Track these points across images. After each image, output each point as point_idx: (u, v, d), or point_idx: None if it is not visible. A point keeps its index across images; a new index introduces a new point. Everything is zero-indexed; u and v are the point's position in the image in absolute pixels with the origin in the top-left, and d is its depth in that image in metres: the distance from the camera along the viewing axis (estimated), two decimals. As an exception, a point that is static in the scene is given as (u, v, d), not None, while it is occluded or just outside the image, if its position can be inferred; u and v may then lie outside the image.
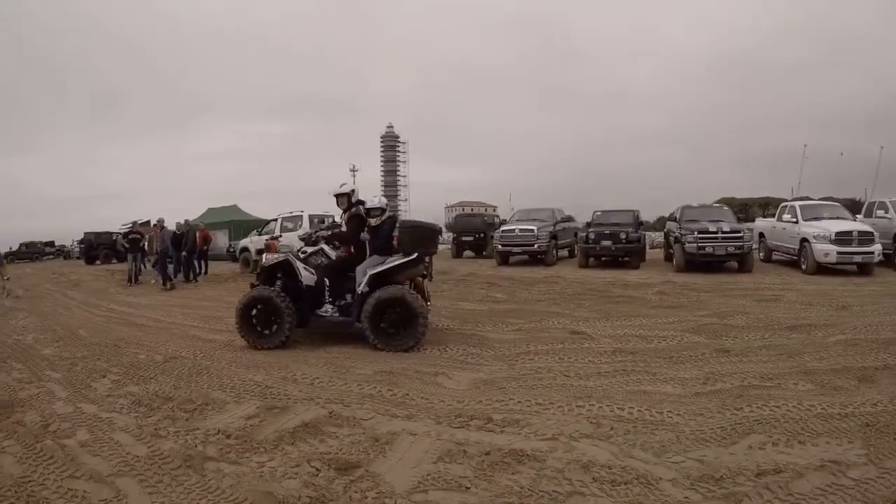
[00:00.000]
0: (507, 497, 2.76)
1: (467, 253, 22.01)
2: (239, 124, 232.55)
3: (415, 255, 6.52)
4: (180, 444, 3.66)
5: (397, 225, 6.80)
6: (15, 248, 40.88)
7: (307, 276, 6.73)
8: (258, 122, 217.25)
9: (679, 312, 8.09)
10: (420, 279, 7.07)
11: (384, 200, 6.90)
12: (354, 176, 62.31)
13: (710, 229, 13.85)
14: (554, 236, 17.50)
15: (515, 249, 17.47)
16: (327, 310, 6.71)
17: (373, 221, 6.68)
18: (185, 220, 16.94)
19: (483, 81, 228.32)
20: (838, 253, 12.49)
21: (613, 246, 15.70)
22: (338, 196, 7.13)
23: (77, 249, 39.21)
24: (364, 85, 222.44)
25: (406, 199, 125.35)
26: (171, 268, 15.70)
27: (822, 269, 12.70)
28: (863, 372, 4.84)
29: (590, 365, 5.36)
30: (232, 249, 22.19)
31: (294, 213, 17.79)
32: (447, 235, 19.60)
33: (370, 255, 6.69)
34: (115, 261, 27.62)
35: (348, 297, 6.72)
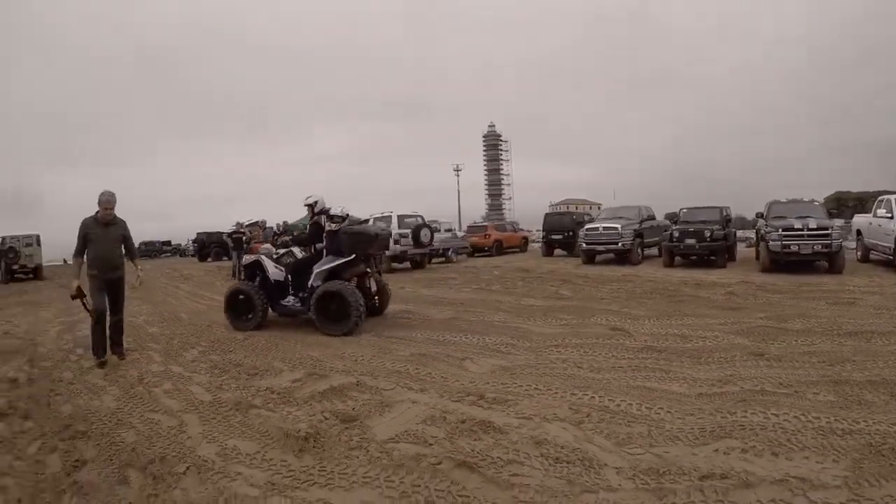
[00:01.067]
0: (455, 455, 3.30)
1: (559, 252, 22.08)
2: (348, 128, 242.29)
3: (352, 256, 7.69)
4: (236, 395, 4.79)
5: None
6: (136, 246, 45.75)
7: (275, 272, 8.11)
8: (365, 126, 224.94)
9: (737, 314, 7.95)
10: (378, 277, 8.43)
11: (346, 210, 8.06)
12: (458, 175, 63.42)
13: (796, 226, 13.15)
14: (639, 235, 17.36)
15: (600, 248, 17.43)
16: (289, 300, 8.09)
17: (333, 226, 7.87)
18: (284, 221, 18.43)
19: (589, 76, 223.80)
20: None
21: (697, 244, 15.24)
22: (306, 206, 8.51)
23: (191, 248, 43.03)
24: (467, 85, 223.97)
25: (510, 198, 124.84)
26: None
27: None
28: None
29: (610, 359, 5.59)
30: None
31: (385, 214, 18.67)
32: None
33: (325, 256, 7.92)
34: (224, 258, 30.16)
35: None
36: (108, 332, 6.31)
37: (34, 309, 12.08)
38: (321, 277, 7.68)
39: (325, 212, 8.23)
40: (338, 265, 7.70)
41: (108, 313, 6.29)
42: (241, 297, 8.05)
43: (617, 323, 7.52)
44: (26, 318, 10.49)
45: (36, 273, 23.32)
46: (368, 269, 8.14)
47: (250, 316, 7.96)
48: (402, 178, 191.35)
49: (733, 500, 2.79)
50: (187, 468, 3.34)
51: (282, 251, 8.47)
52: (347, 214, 8.08)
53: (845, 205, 28.74)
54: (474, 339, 6.78)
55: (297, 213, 35.29)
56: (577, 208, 54.69)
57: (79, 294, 6.14)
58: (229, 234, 19.67)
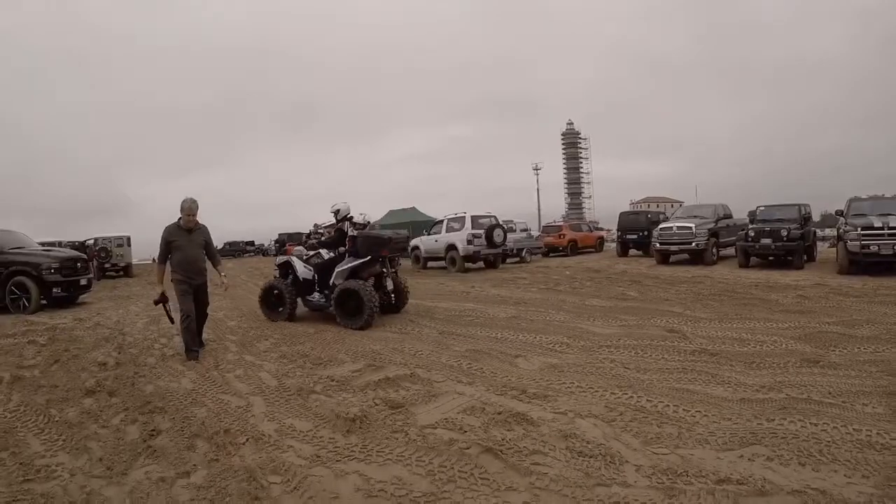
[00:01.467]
0: (486, 442, 3.53)
1: (634, 252, 21.90)
2: (425, 131, 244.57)
3: (368, 257, 8.50)
4: (299, 382, 5.26)
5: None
6: (220, 246, 48.30)
7: (304, 271, 9.12)
8: (442, 128, 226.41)
9: (804, 318, 7.75)
10: (395, 276, 9.24)
11: (367, 217, 9.13)
12: (537, 174, 63.27)
13: (876, 224, 12.44)
14: (714, 234, 16.98)
15: (673, 248, 17.19)
16: (315, 296, 8.99)
17: (354, 232, 8.75)
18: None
19: (669, 69, 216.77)
20: None
21: (773, 244, 14.89)
22: (332, 213, 9.30)
23: (273, 248, 44.98)
24: (544, 83, 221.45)
25: (590, 197, 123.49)
26: None
27: None
28: None
29: (659, 361, 5.62)
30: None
31: (459, 215, 19.07)
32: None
33: (347, 258, 8.74)
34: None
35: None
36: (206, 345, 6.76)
37: (124, 303, 13.22)
38: (342, 276, 8.57)
39: (347, 218, 9.04)
40: (356, 265, 8.54)
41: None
42: (275, 291, 9.02)
43: (676, 325, 7.49)
44: (116, 312, 11.42)
45: (126, 271, 25.37)
46: (384, 270, 8.89)
47: (281, 309, 8.95)
48: (483, 178, 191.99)
49: None
50: (247, 440, 3.77)
51: (311, 253, 9.47)
52: (369, 221, 9.09)
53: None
54: (531, 337, 6.97)
55: (376, 213, 36.44)
56: (657, 206, 53.32)
57: (162, 300, 6.54)
58: (308, 235, 20.46)
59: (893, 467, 3.16)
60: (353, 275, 8.52)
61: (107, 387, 5.30)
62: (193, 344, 6.47)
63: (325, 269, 8.96)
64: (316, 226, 19.77)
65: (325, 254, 9.29)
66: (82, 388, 5.26)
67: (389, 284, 9.04)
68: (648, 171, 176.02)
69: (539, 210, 62.65)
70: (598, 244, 28.03)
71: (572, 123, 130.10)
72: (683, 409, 4.16)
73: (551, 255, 25.67)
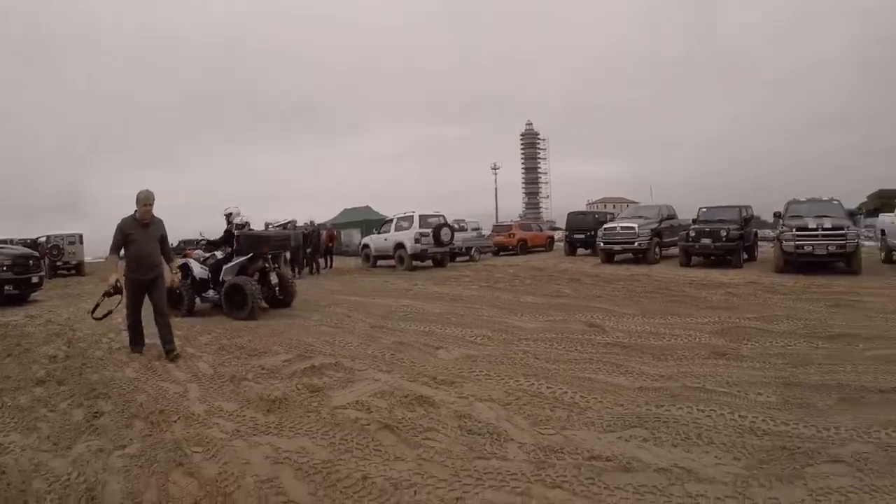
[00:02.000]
0: (387, 420, 3.98)
1: (583, 251, 22.48)
2: (386, 130, 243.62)
3: (250, 254, 9.44)
4: (233, 370, 5.72)
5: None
6: (174, 244, 47.77)
7: (200, 271, 9.91)
8: (404, 127, 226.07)
9: (726, 314, 8.12)
10: (280, 272, 10.26)
11: (245, 219, 9.93)
12: (496, 174, 63.91)
13: (810, 226, 13.13)
14: (658, 234, 17.58)
15: (617, 247, 17.71)
16: (210, 293, 9.79)
17: (237, 233, 9.60)
18: (311, 221, 19.37)
19: (629, 71, 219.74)
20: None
21: (713, 244, 15.44)
22: (224, 216, 10.04)
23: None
24: (508, 84, 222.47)
25: (548, 197, 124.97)
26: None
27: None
28: (858, 393, 4.43)
29: (571, 353, 5.96)
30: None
31: (407, 214, 19.49)
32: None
33: (235, 257, 9.60)
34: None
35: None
36: (147, 329, 6.69)
37: (75, 301, 13.33)
38: (230, 273, 9.45)
39: (229, 220, 9.93)
40: (239, 262, 9.48)
41: (153, 312, 6.51)
42: (177, 291, 9.45)
43: (599, 320, 7.85)
44: (67, 309, 11.59)
45: (78, 269, 25.09)
46: (267, 266, 9.82)
47: (181, 306, 9.60)
48: (443, 178, 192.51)
49: (606, 481, 3.03)
50: (178, 419, 4.25)
51: (208, 254, 10.25)
52: (247, 222, 9.93)
53: (890, 203, 28.07)
54: (457, 331, 7.46)
55: (331, 212, 36.60)
56: (614, 207, 54.52)
57: (117, 291, 6.31)
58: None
59: (768, 451, 3.36)
60: (242, 271, 9.43)
61: (56, 377, 5.70)
62: (138, 341, 6.66)
63: (217, 268, 9.75)
64: (267, 225, 19.87)
65: (220, 254, 9.98)
66: (33, 379, 5.65)
67: (274, 279, 9.99)
68: (610, 171, 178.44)
69: (497, 210, 63.40)
70: (549, 243, 28.64)
71: (531, 124, 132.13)
72: (580, 396, 4.47)
73: (501, 254, 26.24)
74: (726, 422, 3.86)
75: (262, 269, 9.76)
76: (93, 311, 6.81)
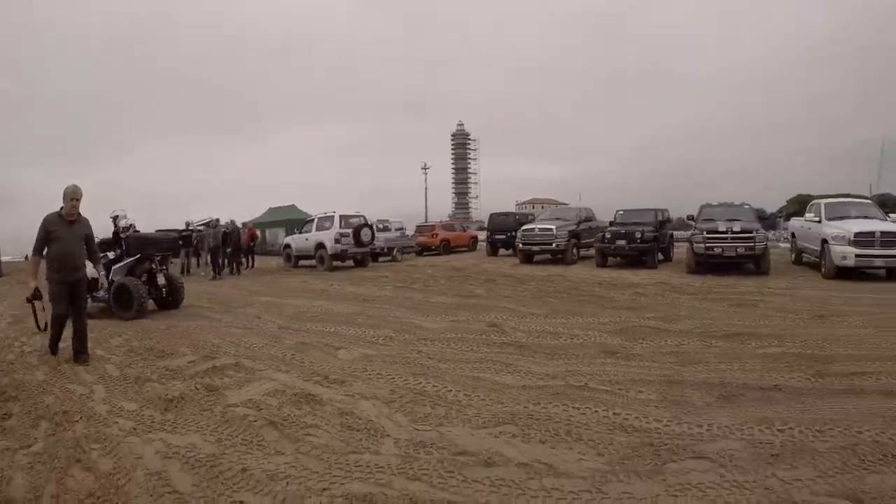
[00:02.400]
0: (273, 418, 4.33)
1: (504, 252, 22.89)
2: (310, 128, 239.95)
3: (138, 255, 9.90)
4: (139, 371, 5.99)
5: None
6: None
7: (91, 271, 9.61)
8: (332, 126, 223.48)
9: (628, 313, 8.42)
10: (168, 273, 10.49)
11: (129, 221, 10.26)
12: (426, 174, 64.15)
13: (720, 229, 13.74)
14: (576, 235, 18.21)
15: (535, 248, 18.22)
16: (100, 293, 9.86)
17: (123, 235, 9.97)
18: (232, 220, 19.42)
19: (561, 76, 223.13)
20: (857, 256, 11.72)
21: (628, 246, 16.04)
22: (111, 218, 10.33)
23: None
24: (440, 85, 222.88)
25: (477, 197, 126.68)
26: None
27: (846, 274, 12.02)
28: (739, 391, 4.62)
29: (466, 352, 6.22)
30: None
31: (328, 214, 19.72)
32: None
33: (124, 257, 9.97)
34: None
35: None
36: (67, 336, 6.54)
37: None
38: (119, 273, 9.81)
39: (115, 223, 10.26)
40: (127, 264, 9.89)
41: (69, 318, 6.45)
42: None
43: (502, 320, 8.16)
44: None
45: None
46: (154, 267, 10.20)
47: (129, 308, 9.61)
48: (374, 178, 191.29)
49: (465, 475, 3.22)
50: (80, 418, 4.58)
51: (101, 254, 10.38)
52: (131, 224, 10.25)
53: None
54: (361, 331, 7.79)
55: (257, 210, 36.28)
56: (542, 208, 55.90)
57: (36, 296, 6.22)
58: (179, 233, 20.57)
59: (633, 447, 3.50)
60: (130, 273, 9.84)
61: (-36, 381, 5.84)
62: (55, 345, 6.59)
63: (107, 268, 9.80)
64: (188, 224, 20.41)
65: (112, 255, 10.23)
66: (-57, 383, 5.82)
67: (161, 280, 10.28)
68: (541, 173, 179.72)
69: (426, 210, 63.79)
70: (472, 244, 29.23)
71: (462, 125, 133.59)
72: (464, 394, 4.73)
73: (424, 254, 26.60)
74: (599, 419, 4.05)
75: (149, 270, 10.14)
76: (37, 326, 6.70)
